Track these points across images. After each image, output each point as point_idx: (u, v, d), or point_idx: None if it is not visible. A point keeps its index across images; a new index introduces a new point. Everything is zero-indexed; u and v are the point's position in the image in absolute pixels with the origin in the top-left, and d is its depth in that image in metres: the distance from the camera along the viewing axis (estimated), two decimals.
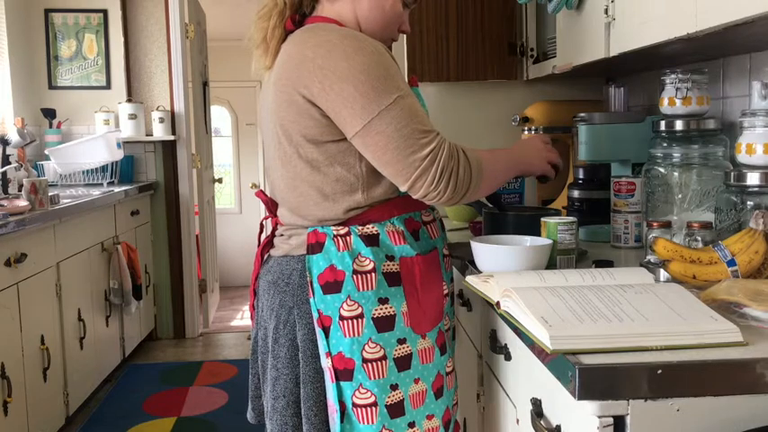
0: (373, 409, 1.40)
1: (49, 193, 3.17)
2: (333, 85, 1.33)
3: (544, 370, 1.12)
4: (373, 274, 1.40)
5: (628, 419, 0.99)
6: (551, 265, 1.53)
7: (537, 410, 1.26)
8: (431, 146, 1.34)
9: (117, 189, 4.11)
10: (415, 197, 1.38)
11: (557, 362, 1.05)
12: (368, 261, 1.41)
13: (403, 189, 1.37)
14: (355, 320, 1.39)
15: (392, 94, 1.33)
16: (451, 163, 1.34)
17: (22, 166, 3.63)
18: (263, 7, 1.50)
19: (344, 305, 1.40)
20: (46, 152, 4.23)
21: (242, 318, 5.55)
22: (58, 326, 3.23)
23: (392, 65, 1.38)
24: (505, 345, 1.50)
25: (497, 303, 1.30)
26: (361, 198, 1.43)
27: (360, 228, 1.43)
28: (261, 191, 1.62)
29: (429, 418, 1.48)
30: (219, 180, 5.93)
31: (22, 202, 2.96)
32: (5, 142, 3.65)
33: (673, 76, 1.76)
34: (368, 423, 1.40)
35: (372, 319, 1.40)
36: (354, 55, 1.34)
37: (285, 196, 1.49)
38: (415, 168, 1.33)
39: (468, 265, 1.66)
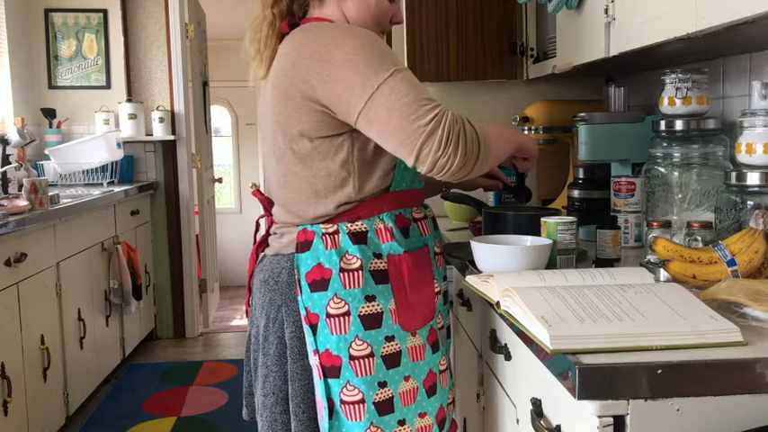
0: (361, 406, 1.41)
1: (49, 193, 3.17)
2: (330, 72, 1.34)
3: (544, 370, 1.12)
4: (360, 272, 1.41)
5: (628, 419, 0.99)
6: (551, 264, 1.53)
7: (537, 410, 1.26)
8: (434, 111, 1.29)
9: (117, 189, 4.11)
10: (423, 170, 1.31)
11: (556, 361, 1.05)
12: (355, 259, 1.41)
13: (410, 162, 1.31)
14: (342, 318, 1.40)
15: (389, 69, 1.33)
16: (457, 126, 1.29)
17: (22, 165, 3.63)
18: (254, 19, 1.51)
19: (331, 303, 1.40)
20: (46, 152, 4.23)
21: (242, 318, 5.55)
22: (58, 326, 3.23)
23: (385, 46, 1.39)
24: (505, 345, 1.50)
25: (497, 303, 1.30)
26: (353, 192, 1.43)
27: (349, 225, 1.43)
28: (257, 190, 1.64)
29: (421, 415, 1.47)
30: (219, 180, 5.93)
31: (22, 202, 2.96)
32: (5, 142, 3.65)
33: (673, 75, 1.76)
34: (356, 420, 1.41)
35: (359, 316, 1.41)
36: (346, 42, 1.36)
37: (278, 193, 1.51)
38: (419, 134, 1.28)
39: (468, 265, 1.66)
